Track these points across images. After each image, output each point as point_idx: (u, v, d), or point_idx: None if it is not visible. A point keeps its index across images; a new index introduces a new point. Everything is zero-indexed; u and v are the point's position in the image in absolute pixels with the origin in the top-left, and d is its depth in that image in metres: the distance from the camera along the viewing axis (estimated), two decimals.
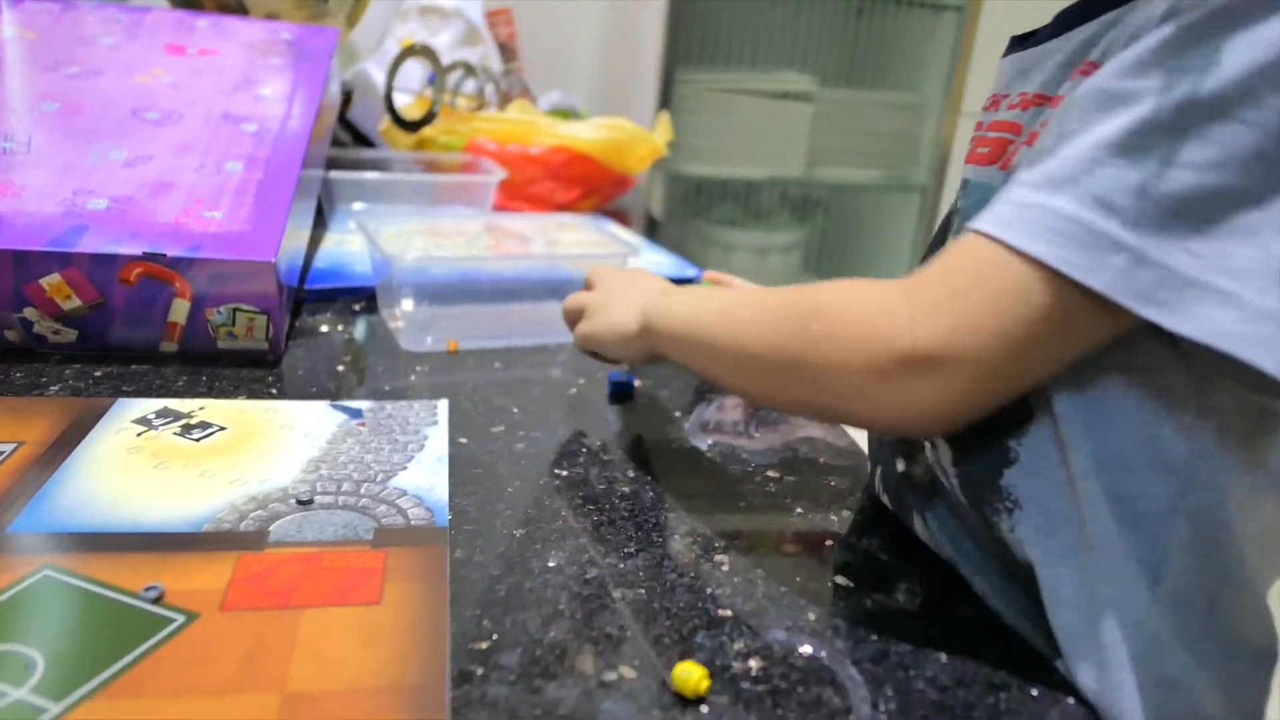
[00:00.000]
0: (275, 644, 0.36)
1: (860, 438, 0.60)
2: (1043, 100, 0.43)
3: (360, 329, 0.73)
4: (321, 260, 0.85)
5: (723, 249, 1.87)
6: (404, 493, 0.48)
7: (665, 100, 1.66)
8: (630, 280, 0.59)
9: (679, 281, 0.93)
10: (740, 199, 1.91)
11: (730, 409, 0.64)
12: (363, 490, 0.48)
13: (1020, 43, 0.51)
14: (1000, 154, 0.45)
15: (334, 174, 0.96)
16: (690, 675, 0.36)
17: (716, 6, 1.78)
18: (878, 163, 1.89)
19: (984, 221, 0.36)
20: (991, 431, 0.41)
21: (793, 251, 1.95)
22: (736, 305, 0.46)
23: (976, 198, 0.45)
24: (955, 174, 1.82)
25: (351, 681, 0.34)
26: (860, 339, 0.37)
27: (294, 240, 0.72)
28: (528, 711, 0.34)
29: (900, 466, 0.50)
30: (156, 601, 0.37)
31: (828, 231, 2.04)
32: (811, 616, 0.42)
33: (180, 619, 0.37)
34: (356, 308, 0.77)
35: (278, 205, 0.66)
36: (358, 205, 1.03)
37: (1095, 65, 0.39)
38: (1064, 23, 0.44)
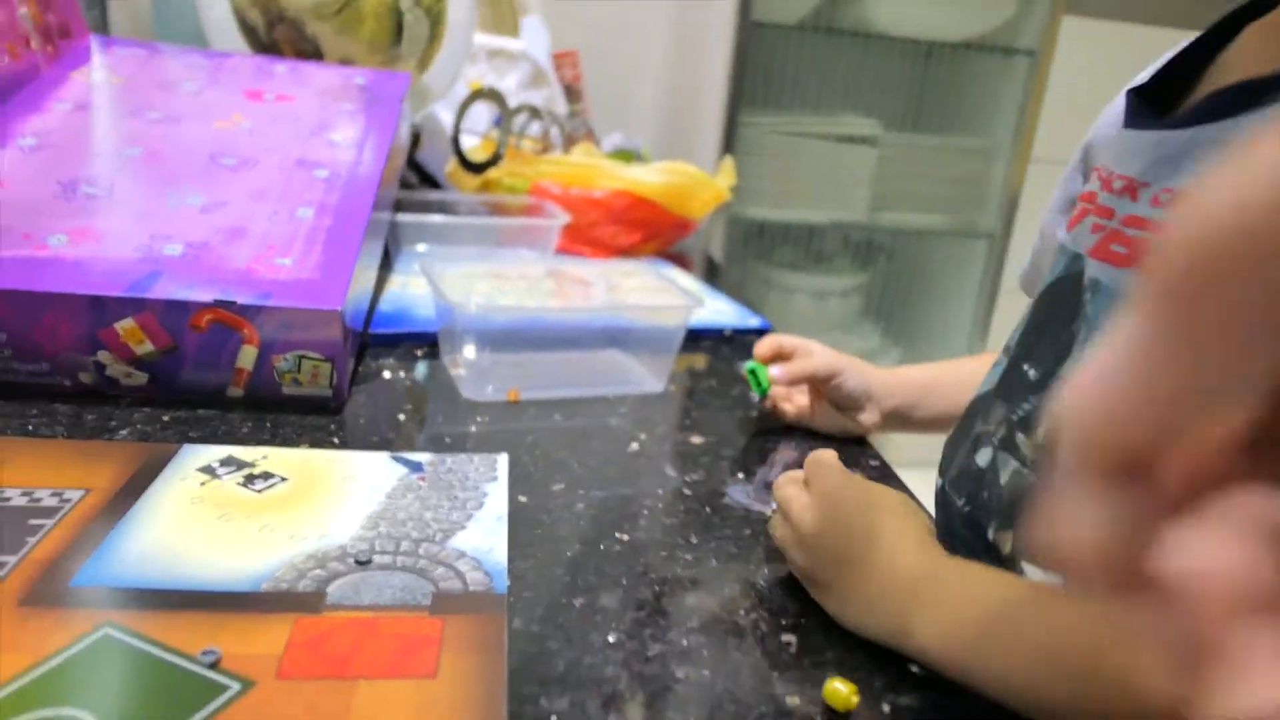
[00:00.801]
0: (329, 715, 0.35)
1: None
2: None
3: (422, 375, 0.73)
4: (386, 303, 0.85)
5: (783, 292, 1.85)
6: (463, 554, 0.47)
7: (728, 142, 1.66)
8: (869, 517, 0.44)
9: (741, 332, 0.91)
10: (802, 242, 1.89)
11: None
12: (421, 550, 0.47)
13: (1147, 104, 0.47)
14: (1140, 256, 0.41)
15: (400, 216, 0.97)
16: (838, 693, 0.38)
17: (781, 49, 1.78)
18: (943, 208, 1.86)
19: None
20: None
21: (853, 296, 1.92)
22: (1052, 658, 0.35)
23: (1114, 305, 0.41)
24: (1024, 220, 1.78)
25: None
26: None
27: (360, 284, 0.73)
28: None
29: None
30: (214, 666, 0.37)
31: (890, 277, 2.01)
32: (885, 709, 0.40)
33: (236, 687, 0.36)
34: (419, 353, 0.77)
35: (346, 252, 0.66)
36: (422, 247, 1.04)
37: None
38: (1219, 107, 0.40)
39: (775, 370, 0.68)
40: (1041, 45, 1.71)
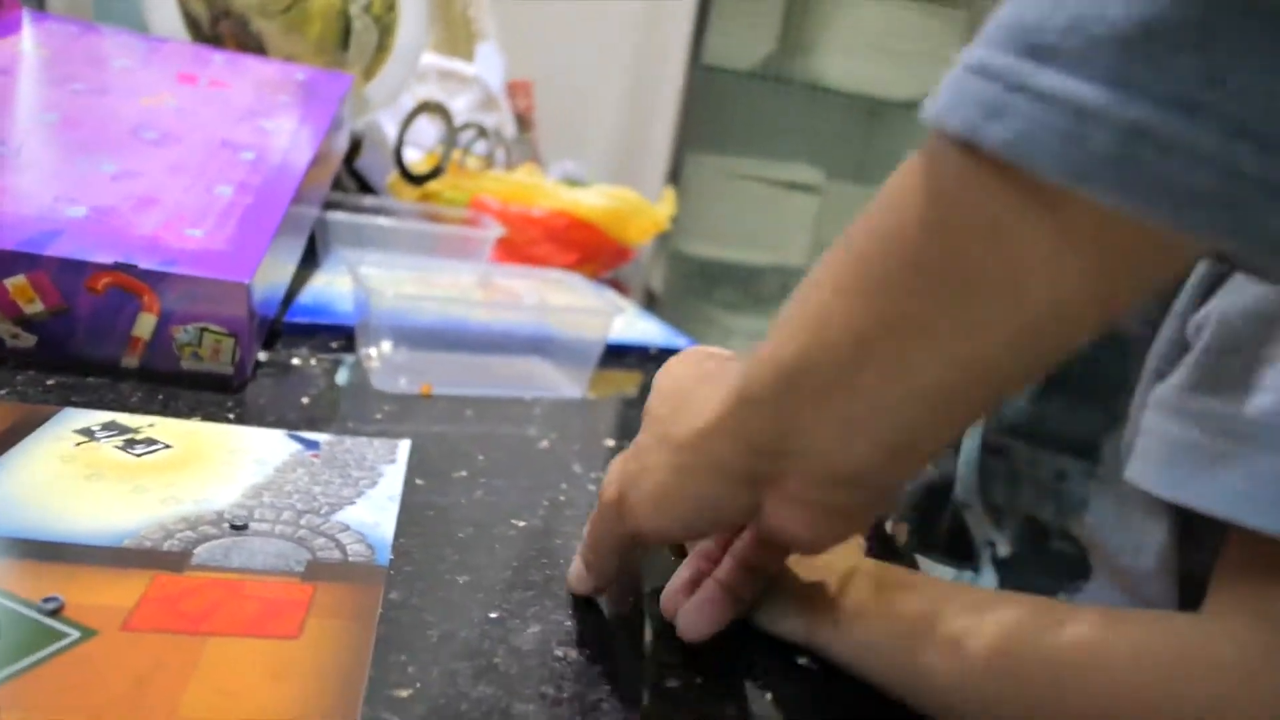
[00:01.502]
0: (173, 670, 0.33)
1: None
2: None
3: (334, 365, 0.71)
4: (306, 296, 0.83)
5: (721, 332, 1.86)
6: (346, 527, 0.45)
7: (675, 179, 1.68)
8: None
9: (668, 351, 0.91)
10: (742, 284, 1.91)
11: None
12: (303, 521, 0.45)
13: None
14: None
15: (331, 214, 0.95)
16: None
17: (731, 94, 1.81)
18: None
19: (1224, 501, 0.28)
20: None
21: None
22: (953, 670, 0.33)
23: None
24: None
25: (251, 715, 0.31)
26: None
27: (276, 271, 0.71)
28: None
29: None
30: (54, 614, 0.34)
31: None
32: (768, 697, 0.39)
33: (75, 634, 0.33)
34: (334, 345, 0.75)
35: (262, 231, 0.65)
36: (352, 250, 1.03)
37: None
38: None
39: None
40: None
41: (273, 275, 0.69)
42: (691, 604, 0.38)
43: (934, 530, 0.43)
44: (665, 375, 0.38)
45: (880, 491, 0.29)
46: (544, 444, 0.63)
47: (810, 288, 0.28)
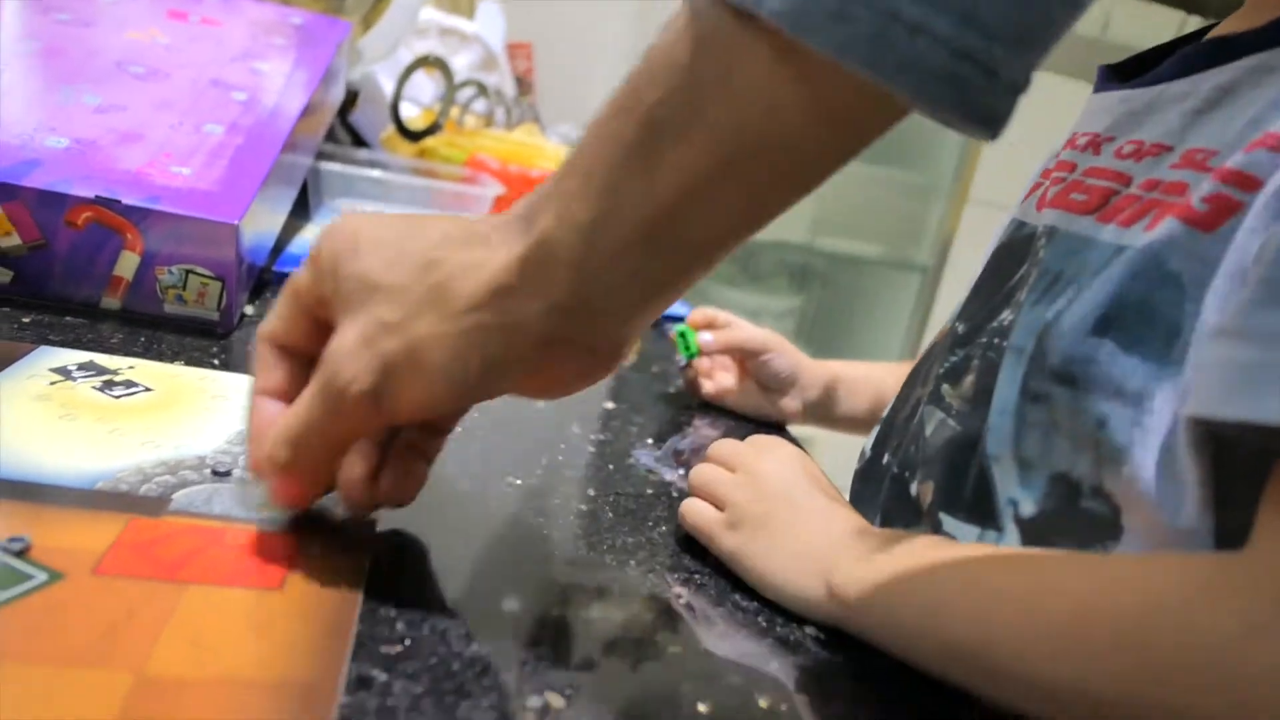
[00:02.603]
0: (145, 618, 0.30)
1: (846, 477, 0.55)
2: (1162, 150, 0.38)
3: None
4: (296, 247, 0.80)
5: (717, 306, 1.84)
6: None
7: None
8: (793, 498, 0.42)
9: (668, 318, 0.89)
10: (740, 259, 1.89)
11: (706, 441, 0.60)
12: None
13: (1118, 75, 0.46)
14: (1100, 204, 0.40)
15: (324, 164, 0.92)
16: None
17: None
18: (881, 239, 1.88)
19: None
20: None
21: (787, 319, 1.92)
22: (990, 604, 0.33)
23: (1068, 248, 0.40)
24: (956, 258, 1.80)
25: (227, 670, 0.29)
26: (1270, 688, 0.26)
27: (266, 217, 0.68)
28: None
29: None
30: (20, 555, 0.32)
31: (824, 302, 2.02)
32: (775, 665, 0.37)
33: (42, 577, 0.31)
34: None
35: (253, 173, 0.62)
36: (346, 203, 1.00)
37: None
38: (1186, 64, 0.40)
39: (706, 336, 0.66)
40: None
41: (262, 221, 0.67)
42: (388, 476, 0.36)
43: (959, 489, 0.41)
44: (351, 239, 0.34)
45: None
46: (541, 403, 0.61)
47: (582, 149, 0.30)
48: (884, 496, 0.47)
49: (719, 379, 0.68)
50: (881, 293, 1.94)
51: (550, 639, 0.35)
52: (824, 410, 0.69)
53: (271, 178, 0.65)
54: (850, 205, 1.84)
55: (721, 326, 0.68)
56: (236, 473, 0.41)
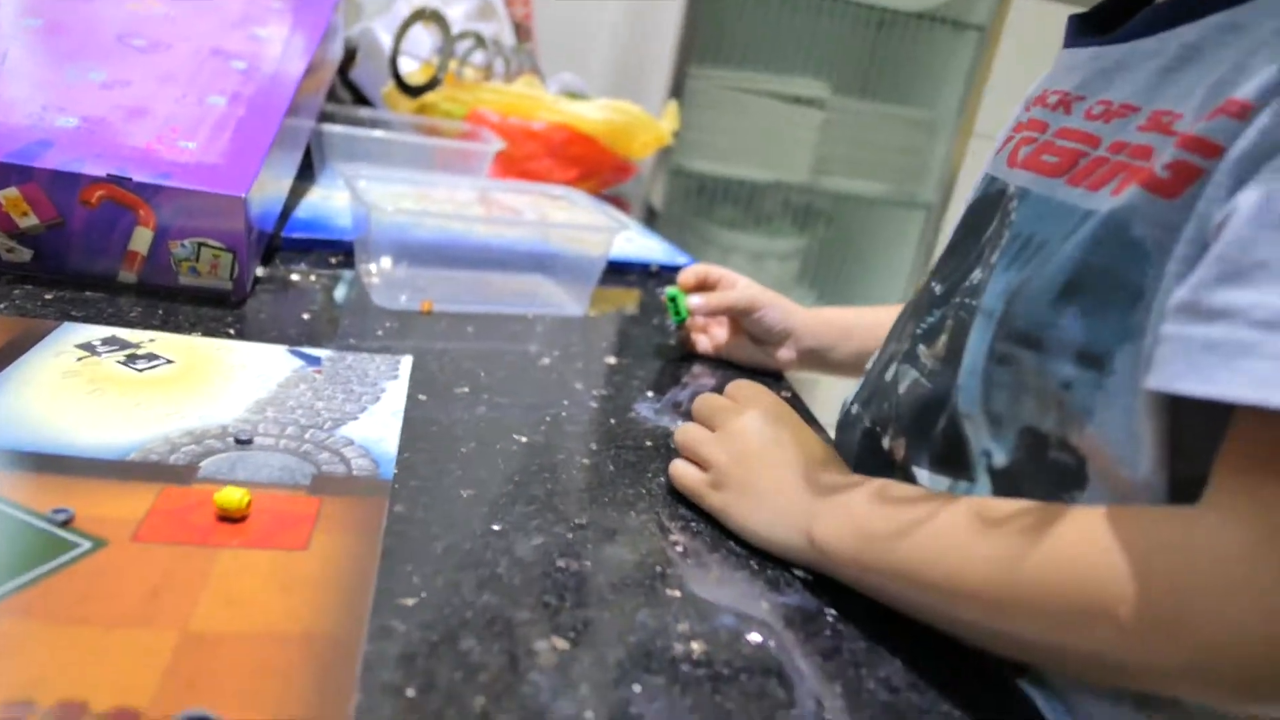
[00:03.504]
0: (184, 580, 0.33)
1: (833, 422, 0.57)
2: (1130, 111, 0.39)
3: (333, 282, 0.71)
4: (303, 211, 0.82)
5: (721, 250, 1.84)
6: (350, 442, 0.45)
7: (677, 93, 1.64)
8: (770, 455, 0.45)
9: (669, 269, 0.90)
10: (743, 201, 1.89)
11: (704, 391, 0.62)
12: (308, 436, 0.45)
13: (1088, 25, 0.47)
14: (1069, 166, 0.41)
15: (326, 127, 0.93)
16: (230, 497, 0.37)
17: (735, 5, 1.76)
18: (885, 177, 1.87)
19: (1251, 386, 0.29)
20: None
21: (791, 260, 1.93)
22: (961, 557, 0.35)
23: (1038, 212, 0.41)
24: (963, 194, 1.79)
25: (260, 625, 0.32)
26: (1227, 640, 0.28)
27: (273, 185, 0.70)
28: (446, 674, 0.32)
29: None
30: (65, 525, 0.35)
31: (828, 243, 2.02)
32: (765, 606, 0.40)
33: (87, 545, 0.34)
34: (333, 260, 0.75)
35: (257, 143, 0.64)
36: (348, 164, 1.01)
37: (1244, 104, 0.33)
38: (1156, 20, 0.40)
39: (695, 299, 0.67)
40: (992, 22, 1.72)
41: (269, 189, 0.68)
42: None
43: (932, 444, 0.43)
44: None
45: None
46: (545, 361, 0.63)
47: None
48: (858, 450, 0.49)
49: (713, 334, 0.70)
50: (885, 231, 1.94)
51: (555, 588, 0.38)
52: (819, 357, 0.71)
53: (276, 145, 0.66)
54: (853, 144, 1.83)
55: (713, 286, 0.69)
56: (258, 440, 0.44)
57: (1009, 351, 0.39)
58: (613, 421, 0.56)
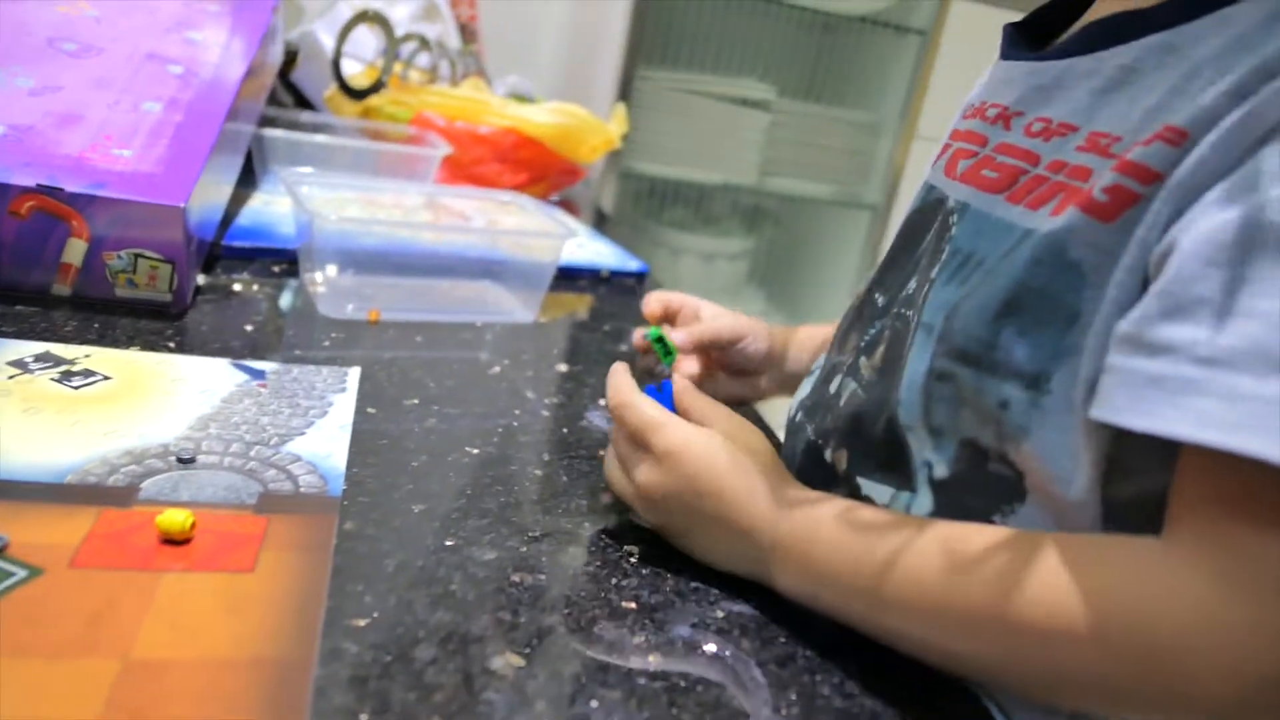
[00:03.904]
0: (126, 607, 0.32)
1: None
2: (1069, 130, 0.39)
3: (277, 291, 0.69)
4: (245, 218, 0.80)
5: (670, 251, 1.85)
6: (298, 458, 0.45)
7: (624, 96, 1.64)
8: (698, 489, 0.41)
9: (619, 275, 0.90)
10: (692, 203, 1.90)
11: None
12: (253, 453, 0.44)
13: (1023, 34, 0.47)
14: (1010, 183, 0.41)
15: (267, 132, 0.91)
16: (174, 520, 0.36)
17: (682, 7, 1.76)
18: (830, 178, 1.89)
19: (1218, 430, 0.29)
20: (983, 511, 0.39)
21: (740, 260, 1.94)
22: (926, 589, 0.35)
23: (978, 228, 0.41)
24: (907, 195, 1.82)
25: (207, 651, 0.31)
26: (1194, 676, 0.29)
27: (212, 192, 0.68)
28: (400, 695, 0.31)
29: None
30: None
31: (776, 243, 2.04)
32: (719, 614, 0.40)
33: (22, 573, 0.33)
34: (276, 269, 0.73)
35: (195, 151, 0.62)
36: (291, 169, 0.99)
37: (1181, 131, 0.33)
38: (1093, 39, 0.40)
39: (679, 335, 0.61)
40: (932, 26, 1.76)
41: (209, 196, 0.67)
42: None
43: (874, 454, 0.43)
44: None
45: None
46: (496, 369, 0.63)
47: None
48: (801, 461, 0.49)
49: (685, 371, 0.64)
50: (832, 232, 1.97)
51: (510, 603, 0.38)
52: (797, 381, 0.66)
53: (216, 151, 0.65)
54: (799, 146, 1.85)
55: (675, 312, 0.64)
56: (201, 458, 0.43)
57: (948, 368, 0.39)
58: (565, 430, 0.55)
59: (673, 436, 0.42)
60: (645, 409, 0.43)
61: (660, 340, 0.61)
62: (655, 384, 0.46)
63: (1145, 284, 0.34)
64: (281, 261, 0.75)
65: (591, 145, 1.19)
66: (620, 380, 0.45)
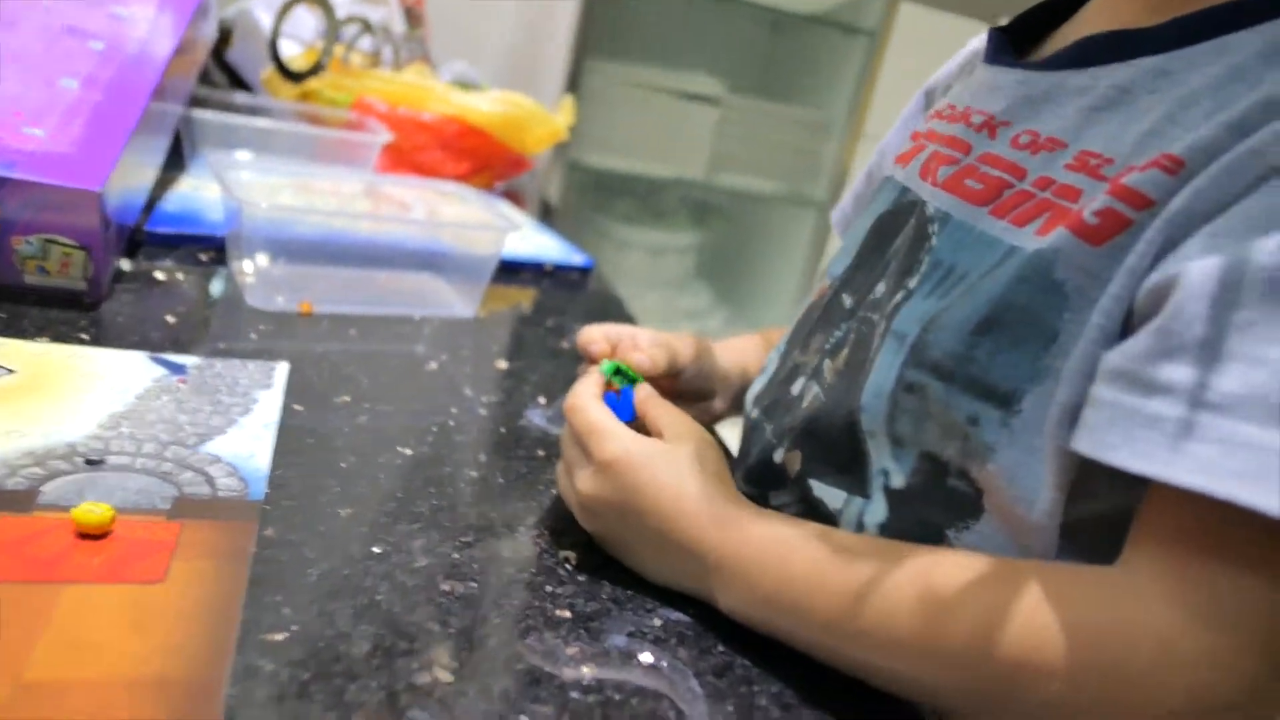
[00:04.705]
0: (19, 622, 0.30)
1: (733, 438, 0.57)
2: (1057, 145, 0.38)
3: (203, 281, 0.66)
4: (171, 203, 0.77)
5: (617, 245, 1.84)
6: (217, 459, 0.42)
7: (573, 87, 1.62)
8: (658, 487, 0.40)
9: (563, 270, 0.89)
10: (640, 197, 1.89)
11: None
12: (168, 453, 0.42)
13: (1008, 36, 0.46)
14: (994, 196, 0.40)
15: (198, 113, 0.87)
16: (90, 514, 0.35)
17: (633, 0, 1.75)
18: (778, 175, 1.90)
19: (1196, 471, 0.29)
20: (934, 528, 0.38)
21: (688, 255, 1.94)
22: (900, 623, 0.34)
23: (960, 240, 0.40)
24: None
25: (108, 671, 0.29)
26: (1160, 701, 0.29)
27: (133, 175, 0.65)
28: (317, 715, 0.30)
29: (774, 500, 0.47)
30: None
31: (724, 238, 2.04)
32: (656, 623, 0.39)
33: None
34: (204, 258, 0.70)
35: (115, 132, 0.59)
36: (222, 153, 0.95)
37: (1177, 160, 0.33)
38: (1087, 54, 0.40)
39: (640, 358, 0.52)
40: (880, 27, 1.77)
41: (130, 179, 0.64)
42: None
43: (830, 457, 0.42)
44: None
45: None
46: (433, 365, 0.61)
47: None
48: (754, 462, 0.48)
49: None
50: (779, 228, 1.98)
51: (439, 614, 0.36)
52: (740, 397, 0.59)
53: (138, 132, 0.62)
54: (748, 142, 1.85)
55: (614, 343, 0.54)
56: (111, 459, 0.41)
57: (919, 380, 0.38)
58: (503, 430, 0.54)
59: (614, 447, 0.41)
60: (592, 414, 0.42)
61: (619, 372, 0.52)
62: (615, 391, 0.45)
63: (1130, 313, 0.33)
64: (209, 249, 0.72)
65: (538, 136, 1.17)
66: (583, 384, 0.45)
